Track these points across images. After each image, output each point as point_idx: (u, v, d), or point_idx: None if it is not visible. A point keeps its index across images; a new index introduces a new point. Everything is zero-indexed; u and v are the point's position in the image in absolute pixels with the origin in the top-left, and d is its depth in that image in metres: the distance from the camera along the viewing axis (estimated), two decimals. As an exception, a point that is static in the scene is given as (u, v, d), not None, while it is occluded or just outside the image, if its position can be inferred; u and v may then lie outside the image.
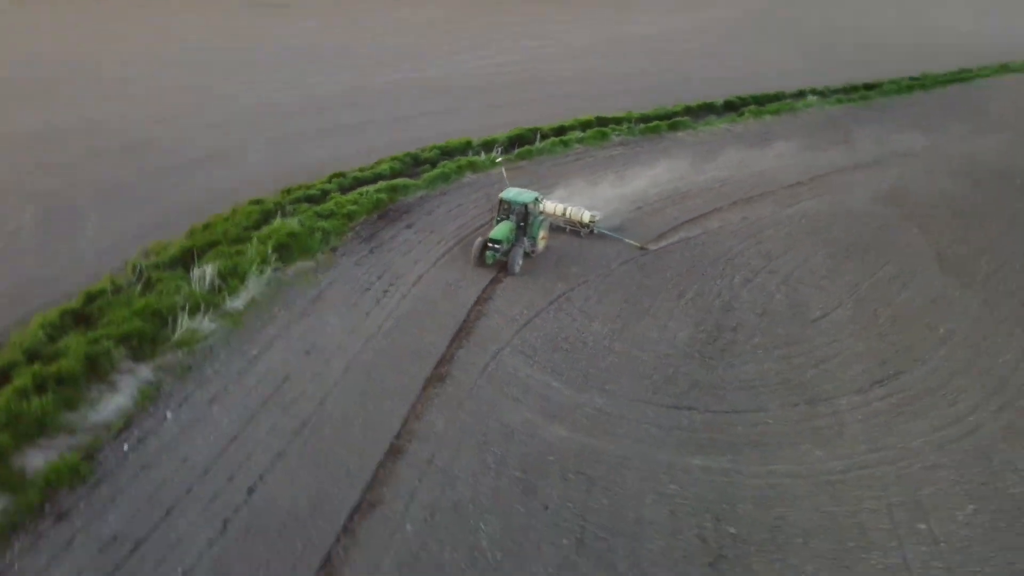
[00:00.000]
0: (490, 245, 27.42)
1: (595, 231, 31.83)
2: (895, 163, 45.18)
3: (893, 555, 16.70)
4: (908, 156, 46.68)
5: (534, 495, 17.46)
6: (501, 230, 27.84)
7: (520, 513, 16.88)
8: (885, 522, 17.61)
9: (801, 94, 56.93)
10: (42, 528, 14.76)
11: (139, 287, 22.22)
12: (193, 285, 22.76)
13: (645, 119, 47.28)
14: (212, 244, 25.12)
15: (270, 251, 25.03)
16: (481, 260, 27.52)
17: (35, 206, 28.50)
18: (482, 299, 25.78)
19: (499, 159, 37.90)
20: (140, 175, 32.73)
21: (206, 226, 26.72)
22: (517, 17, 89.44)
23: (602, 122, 45.30)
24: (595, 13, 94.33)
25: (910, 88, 63.07)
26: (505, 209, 28.76)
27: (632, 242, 31.35)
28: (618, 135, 44.52)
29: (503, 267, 27.44)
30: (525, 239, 28.63)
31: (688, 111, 50.31)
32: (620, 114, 47.26)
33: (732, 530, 17.24)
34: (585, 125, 44.52)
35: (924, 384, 23.29)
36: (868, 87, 61.29)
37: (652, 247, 31.13)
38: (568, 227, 31.91)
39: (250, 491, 16.52)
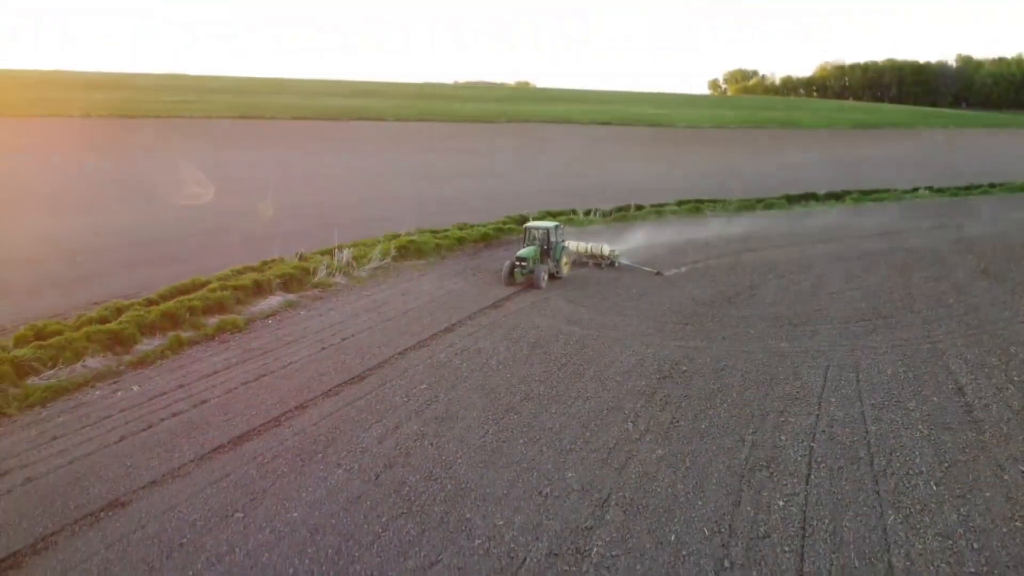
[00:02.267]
0: (518, 263, 30.85)
1: (616, 264, 35.43)
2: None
3: (809, 387, 21.53)
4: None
5: (538, 349, 23.87)
6: (527, 251, 31.49)
7: (522, 354, 23.29)
8: (816, 374, 22.20)
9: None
10: (213, 343, 24.03)
11: (297, 258, 32.13)
12: (334, 260, 32.28)
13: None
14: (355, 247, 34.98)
15: (392, 248, 34.25)
16: (511, 278, 30.83)
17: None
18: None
19: (593, 216, 45.83)
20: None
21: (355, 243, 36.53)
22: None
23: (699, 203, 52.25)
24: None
25: None
26: (531, 237, 32.65)
27: (649, 269, 34.76)
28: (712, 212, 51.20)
29: (530, 285, 30.88)
30: (549, 260, 32.10)
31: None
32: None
33: (684, 368, 22.47)
34: (681, 203, 51.58)
35: (901, 321, 27.47)
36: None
37: (667, 273, 34.50)
38: (591, 261, 35.61)
39: (343, 339, 24.46)
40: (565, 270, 33.00)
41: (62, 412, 18.54)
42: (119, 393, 19.88)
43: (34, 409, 18.71)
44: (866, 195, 59.59)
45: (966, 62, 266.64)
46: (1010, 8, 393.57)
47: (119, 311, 24.36)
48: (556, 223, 33.87)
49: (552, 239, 32.41)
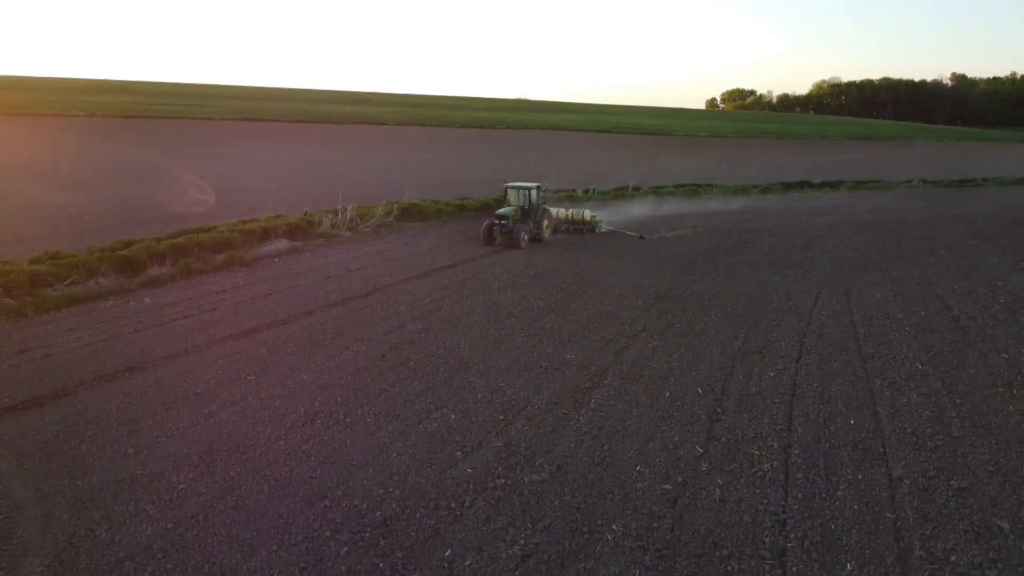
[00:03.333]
0: (497, 222, 29.84)
1: (598, 230, 34.32)
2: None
3: (800, 305, 22.37)
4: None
5: (538, 279, 24.48)
6: (507, 209, 30.65)
7: (523, 281, 23.90)
8: (808, 297, 23.28)
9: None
10: (221, 272, 24.50)
11: (303, 215, 32.82)
12: (338, 217, 32.97)
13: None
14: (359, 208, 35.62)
15: (395, 210, 34.96)
16: (490, 238, 29.93)
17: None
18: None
19: (592, 194, 46.57)
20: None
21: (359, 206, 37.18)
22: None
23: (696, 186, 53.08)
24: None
25: None
26: (512, 197, 31.84)
27: (632, 233, 34.15)
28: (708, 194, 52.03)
29: (510, 245, 29.73)
30: (530, 222, 30.92)
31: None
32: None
33: (680, 292, 23.11)
34: (679, 185, 52.38)
35: (892, 265, 28.77)
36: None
37: (647, 236, 33.96)
38: (571, 227, 34.53)
39: (348, 271, 25.08)
40: (547, 233, 32.01)
41: (77, 315, 19.09)
42: (131, 303, 20.43)
43: (49, 313, 19.25)
44: (861, 184, 60.27)
45: (960, 80, 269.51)
46: (1004, 28, 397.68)
47: (129, 244, 24.96)
48: (537, 184, 32.41)
49: (533, 199, 31.51)
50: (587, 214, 34.83)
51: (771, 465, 11.13)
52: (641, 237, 33.49)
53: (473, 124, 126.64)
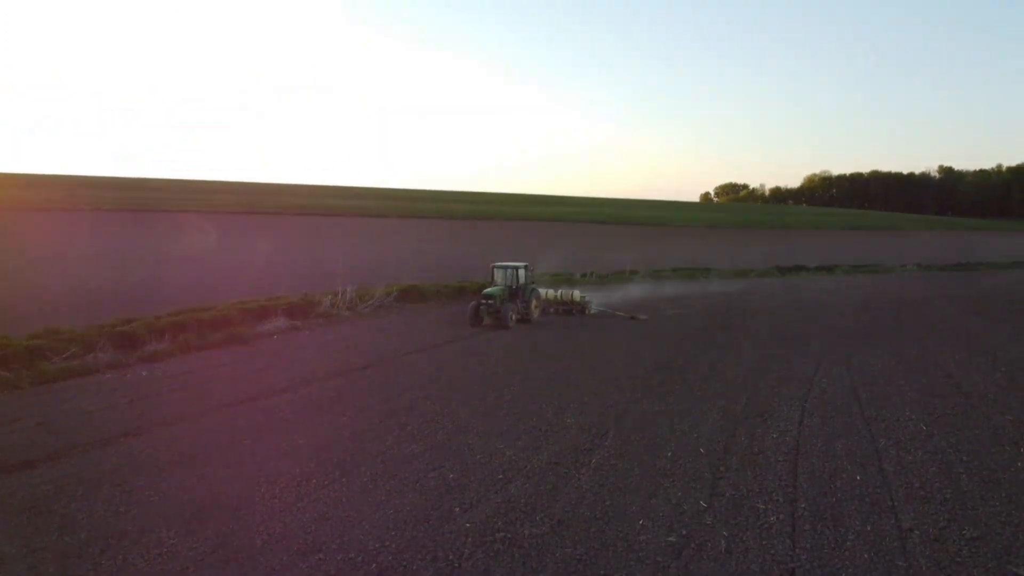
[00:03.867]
0: (483, 302, 29.08)
1: (588, 311, 33.08)
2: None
3: (801, 373, 22.64)
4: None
5: (536, 351, 24.56)
6: (494, 289, 29.99)
7: (521, 354, 24.22)
8: (808, 366, 23.54)
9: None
10: (219, 350, 24.48)
11: (302, 295, 33.12)
12: (338, 297, 33.27)
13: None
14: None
15: (395, 291, 35.33)
16: (476, 318, 29.05)
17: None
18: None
19: (589, 276, 47.02)
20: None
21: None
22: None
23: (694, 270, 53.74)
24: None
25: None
26: (499, 276, 31.11)
27: (624, 314, 32.81)
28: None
29: (497, 325, 28.83)
30: (518, 301, 30.15)
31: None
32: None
33: (679, 364, 23.13)
34: (676, 269, 53.02)
35: (891, 338, 29.49)
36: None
37: (642, 317, 32.66)
38: (559, 309, 33.44)
39: (346, 347, 25.18)
40: (535, 313, 31.21)
41: (73, 387, 19.01)
42: (128, 376, 20.37)
43: (45, 385, 19.17)
44: (857, 268, 60.98)
45: (948, 173, 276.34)
46: (988, 122, 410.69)
47: (129, 321, 25.06)
48: (525, 263, 31.83)
49: (521, 279, 30.89)
50: (576, 294, 33.96)
51: (777, 517, 10.87)
52: (633, 318, 32.28)
53: (475, 216, 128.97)
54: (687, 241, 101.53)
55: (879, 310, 36.53)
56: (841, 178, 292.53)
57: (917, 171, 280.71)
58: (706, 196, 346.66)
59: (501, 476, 12.59)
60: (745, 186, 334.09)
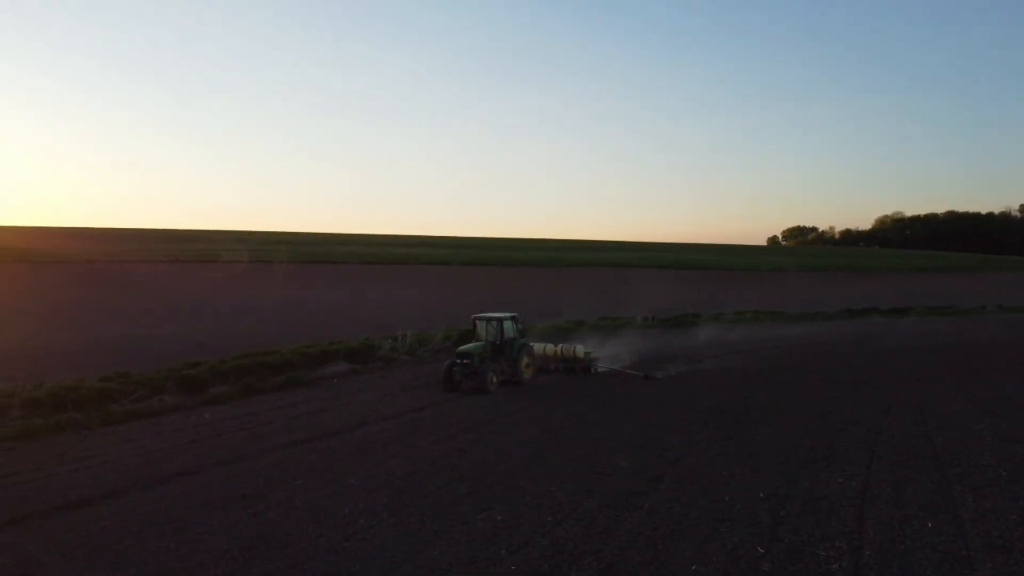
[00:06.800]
0: (458, 362, 24.50)
1: (593, 369, 28.60)
2: None
3: (868, 417, 21.75)
4: None
5: (587, 396, 24.25)
6: (472, 346, 25.29)
7: (574, 395, 24.00)
8: (876, 409, 22.62)
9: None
10: (281, 392, 25.07)
11: (363, 339, 33.68)
12: (397, 342, 33.71)
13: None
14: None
15: (454, 336, 35.61)
16: (449, 381, 24.53)
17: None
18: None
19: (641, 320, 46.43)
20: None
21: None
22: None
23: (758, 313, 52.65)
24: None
25: None
26: (480, 331, 26.50)
27: (635, 372, 28.31)
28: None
29: (475, 389, 24.18)
30: (502, 360, 25.51)
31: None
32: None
33: (737, 408, 22.53)
34: (739, 312, 52.06)
35: (968, 379, 28.40)
36: None
37: (659, 375, 28.30)
38: (559, 367, 28.92)
39: (404, 389, 25.39)
40: (526, 373, 26.16)
41: (138, 427, 19.62)
42: (191, 418, 20.90)
43: (112, 425, 19.84)
44: (932, 311, 58.55)
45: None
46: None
47: (195, 364, 25.83)
48: (513, 313, 27.08)
49: (508, 332, 26.13)
50: (580, 349, 29.20)
51: (840, 566, 10.29)
52: (647, 377, 27.44)
53: (534, 263, 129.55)
54: (751, 284, 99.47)
55: (953, 351, 34.91)
56: (915, 219, 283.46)
57: (996, 210, 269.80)
58: (773, 239, 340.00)
59: (550, 519, 12.34)
60: (814, 229, 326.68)
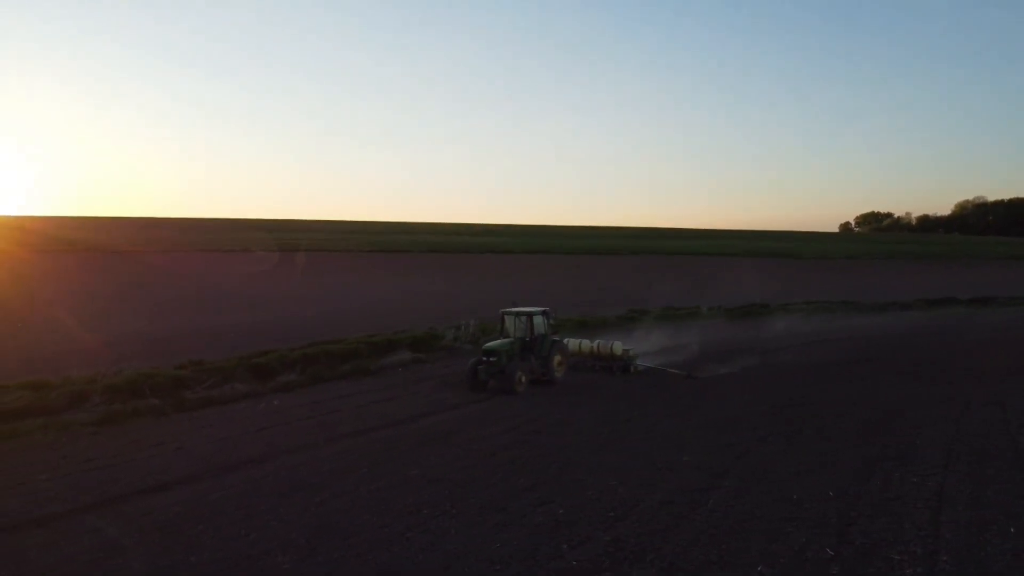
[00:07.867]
0: (484, 360, 23.20)
1: (633, 368, 27.10)
2: None
3: (946, 414, 20.79)
4: None
5: (653, 388, 23.97)
6: (498, 343, 23.94)
7: (640, 387, 23.84)
8: (955, 406, 21.67)
9: None
10: (347, 381, 25.55)
11: (427, 329, 34.08)
12: (461, 330, 33.98)
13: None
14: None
15: (515, 325, 35.70)
16: (475, 382, 23.25)
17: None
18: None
19: (713, 311, 45.51)
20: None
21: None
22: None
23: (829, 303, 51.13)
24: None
25: None
26: (508, 326, 25.19)
27: (677, 371, 26.98)
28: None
29: (501, 389, 22.92)
30: (532, 357, 24.22)
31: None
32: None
33: (807, 401, 21.95)
34: (809, 302, 50.66)
35: None
36: None
37: (700, 376, 26.79)
38: (599, 365, 27.69)
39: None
40: (558, 371, 24.90)
41: (211, 414, 20.30)
42: (261, 405, 21.50)
43: (187, 412, 20.57)
44: (1016, 299, 55.77)
45: None
46: None
47: (265, 353, 26.55)
48: (545, 308, 25.99)
49: (537, 329, 24.87)
50: (618, 347, 27.63)
51: (915, 571, 9.89)
52: (689, 376, 26.22)
53: (598, 251, 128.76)
54: (821, 276, 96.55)
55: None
56: (998, 204, 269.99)
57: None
58: (846, 226, 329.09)
59: (612, 514, 12.23)
60: (889, 215, 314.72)
